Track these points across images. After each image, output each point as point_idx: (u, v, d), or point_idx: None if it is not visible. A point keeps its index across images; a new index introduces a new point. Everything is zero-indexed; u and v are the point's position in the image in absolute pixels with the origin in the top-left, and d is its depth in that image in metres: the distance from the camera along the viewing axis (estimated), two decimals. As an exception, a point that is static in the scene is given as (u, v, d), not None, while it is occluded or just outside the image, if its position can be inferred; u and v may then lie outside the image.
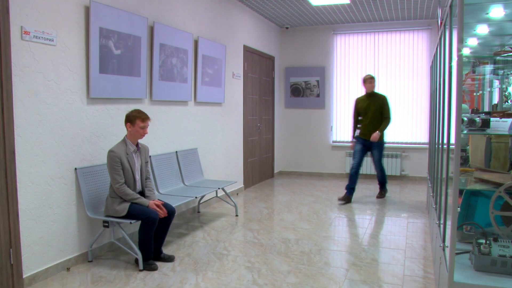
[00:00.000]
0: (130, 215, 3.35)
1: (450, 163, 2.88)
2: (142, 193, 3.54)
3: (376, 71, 7.83)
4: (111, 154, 3.34)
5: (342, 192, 6.68)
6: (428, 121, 6.71)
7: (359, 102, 6.01)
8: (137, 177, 3.50)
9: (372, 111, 5.81)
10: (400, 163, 7.68)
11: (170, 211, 3.52)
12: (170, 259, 3.57)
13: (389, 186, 7.12)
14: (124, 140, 3.46)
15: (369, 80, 5.87)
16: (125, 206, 3.36)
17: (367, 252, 3.83)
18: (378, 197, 6.19)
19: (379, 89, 7.86)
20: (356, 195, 6.46)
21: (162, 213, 3.41)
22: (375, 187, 7.03)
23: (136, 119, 3.42)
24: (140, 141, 3.57)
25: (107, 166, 3.38)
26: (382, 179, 6.20)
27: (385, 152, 7.87)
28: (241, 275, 3.29)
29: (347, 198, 5.90)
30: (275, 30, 8.07)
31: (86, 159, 3.58)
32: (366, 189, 6.88)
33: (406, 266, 3.48)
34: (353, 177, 5.91)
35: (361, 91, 8.08)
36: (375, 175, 8.05)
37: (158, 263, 3.47)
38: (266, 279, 3.20)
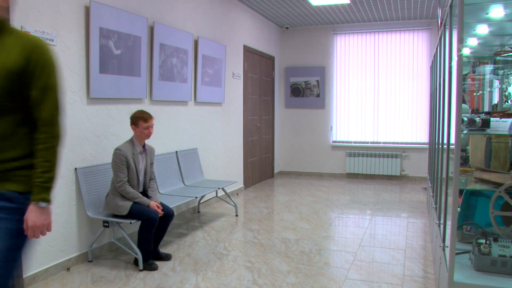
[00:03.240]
0: (131, 215, 3.35)
1: (450, 163, 2.88)
2: (145, 194, 3.55)
3: (376, 71, 7.83)
4: (118, 152, 3.36)
5: (342, 191, 6.70)
6: (428, 121, 6.71)
7: None
8: (141, 178, 3.51)
9: None
10: (400, 163, 7.67)
11: (169, 214, 3.53)
12: (167, 257, 3.58)
13: (390, 187, 7.12)
14: (131, 140, 3.48)
15: None
16: (128, 205, 3.36)
17: (367, 252, 3.83)
18: None
19: (378, 91, 7.99)
20: (355, 195, 6.46)
21: (160, 212, 3.43)
22: (375, 187, 7.03)
23: (138, 120, 3.43)
24: (146, 141, 3.58)
25: (112, 163, 3.39)
26: None
27: (384, 153, 7.94)
28: (241, 275, 3.30)
29: None
30: (275, 30, 8.07)
31: (86, 159, 3.58)
32: (367, 189, 6.88)
33: (406, 266, 3.48)
34: None
35: (361, 91, 8.20)
36: (374, 175, 8.14)
37: (158, 263, 3.47)
38: (266, 279, 3.20)
